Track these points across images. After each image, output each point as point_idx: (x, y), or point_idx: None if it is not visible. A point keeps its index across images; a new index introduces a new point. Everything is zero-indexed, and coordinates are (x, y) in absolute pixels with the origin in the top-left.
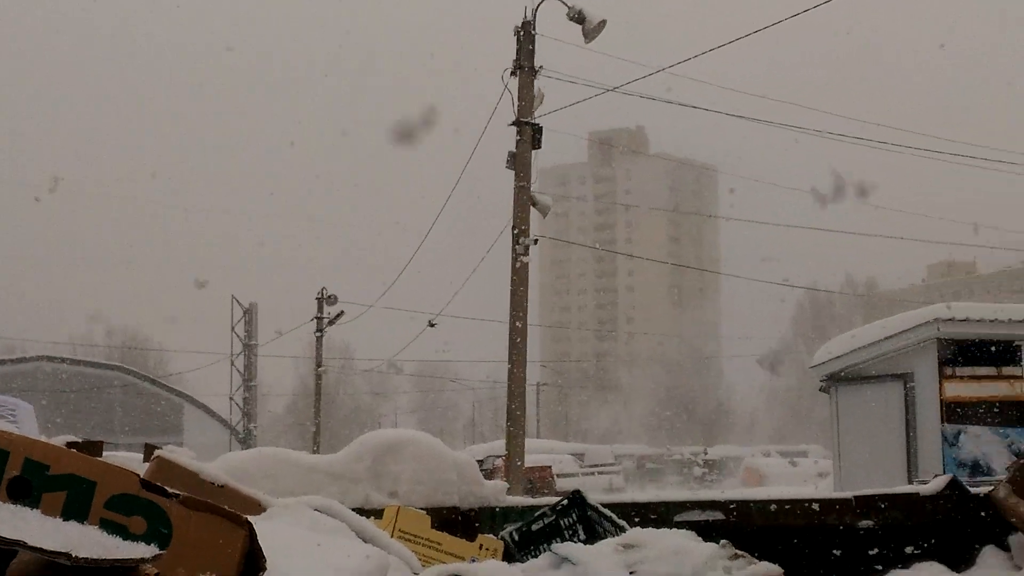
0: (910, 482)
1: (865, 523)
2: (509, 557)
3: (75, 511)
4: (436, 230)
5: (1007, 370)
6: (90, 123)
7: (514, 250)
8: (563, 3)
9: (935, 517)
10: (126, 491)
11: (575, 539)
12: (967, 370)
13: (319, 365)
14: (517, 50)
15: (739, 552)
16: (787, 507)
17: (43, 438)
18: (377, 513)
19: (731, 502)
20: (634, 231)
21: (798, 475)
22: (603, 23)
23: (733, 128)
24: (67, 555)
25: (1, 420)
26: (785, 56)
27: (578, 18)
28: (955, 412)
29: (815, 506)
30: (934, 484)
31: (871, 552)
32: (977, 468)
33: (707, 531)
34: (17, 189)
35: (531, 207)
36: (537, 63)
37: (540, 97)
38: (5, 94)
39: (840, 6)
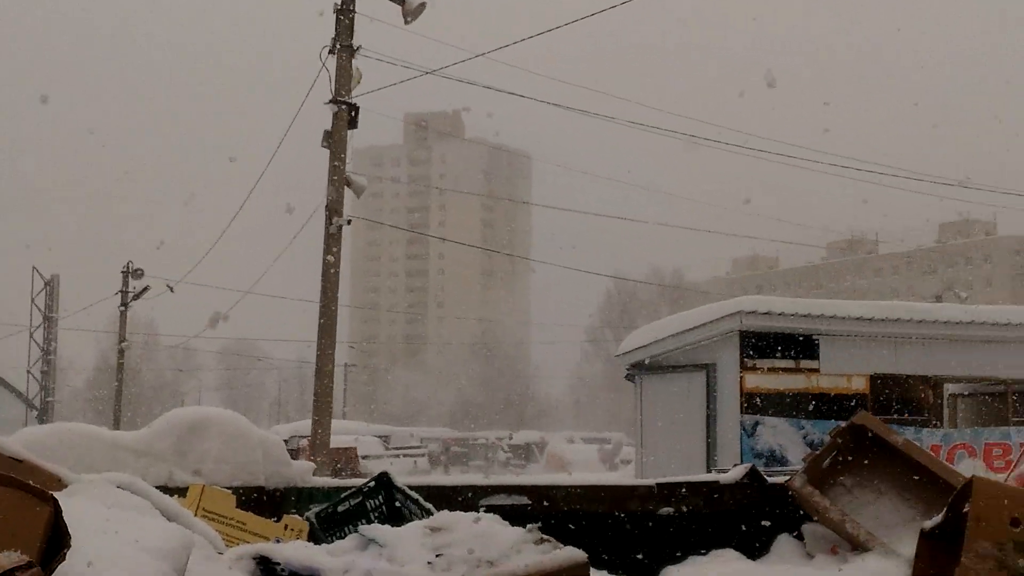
0: (709, 470)
1: (666, 510)
2: (315, 538)
3: None
4: (251, 208)
5: (805, 363)
6: None
7: (327, 229)
8: None
9: (734, 505)
10: None
11: (382, 521)
12: (767, 362)
13: (122, 340)
14: (336, 28)
15: (545, 537)
16: (591, 493)
17: None
18: (181, 491)
19: (536, 487)
20: (447, 214)
21: (601, 461)
22: (423, 5)
23: (549, 116)
24: None
25: None
26: (608, 46)
27: None
28: (755, 403)
29: (618, 493)
30: (734, 473)
31: (672, 538)
32: (773, 458)
33: (513, 516)
34: None
35: (345, 187)
36: (356, 42)
37: (358, 77)
38: None
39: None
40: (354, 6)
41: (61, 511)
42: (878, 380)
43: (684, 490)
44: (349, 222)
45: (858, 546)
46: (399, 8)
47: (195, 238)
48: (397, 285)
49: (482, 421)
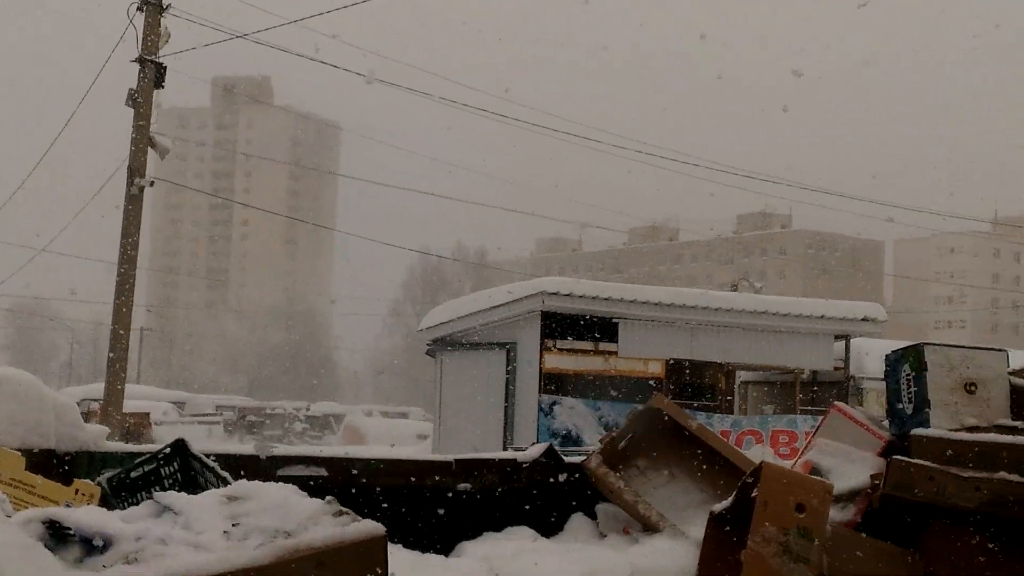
0: (506, 448)
1: (464, 486)
2: (107, 504)
3: None
4: (52, 165)
5: (604, 345)
6: None
7: (128, 190)
8: None
9: (530, 484)
10: None
11: (176, 488)
12: (567, 343)
13: None
14: None
15: (343, 509)
16: (389, 467)
17: None
18: None
19: (335, 459)
20: (253, 181)
21: (398, 435)
22: None
23: (361, 88)
24: None
25: None
26: (428, 21)
27: None
28: (553, 383)
29: (417, 467)
30: (531, 451)
31: (468, 514)
32: (569, 438)
33: (310, 487)
34: None
35: (149, 147)
36: (166, 1)
37: (166, 36)
38: None
39: None
40: None
41: None
42: (674, 365)
43: (482, 467)
44: (152, 183)
45: (649, 527)
46: None
47: None
48: (199, 250)
49: (280, 391)
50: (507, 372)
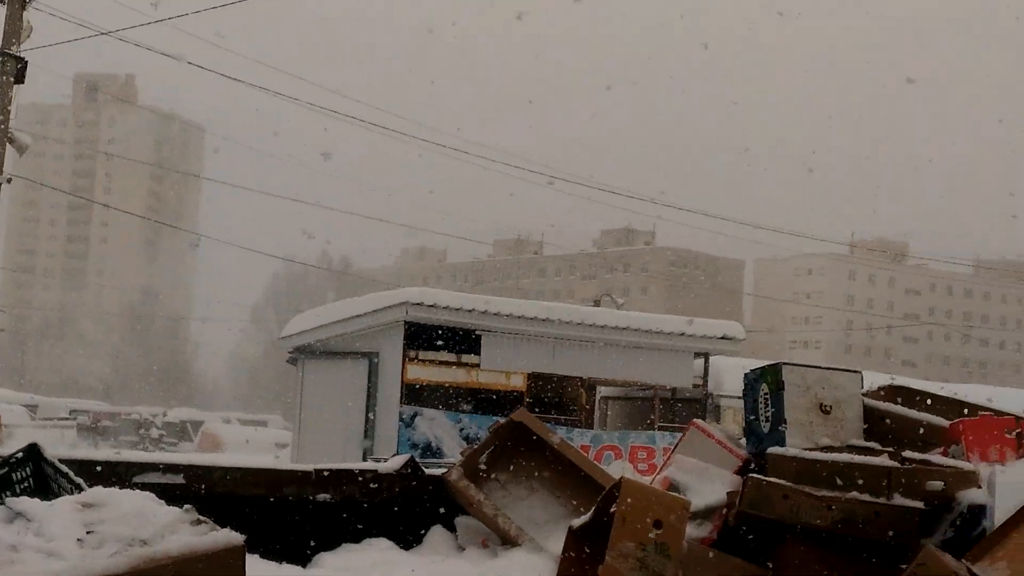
0: (366, 459)
1: (323, 496)
2: None
3: None
4: None
5: (467, 358)
6: None
7: None
8: None
9: (390, 495)
10: None
11: (29, 494)
12: (430, 354)
13: None
14: None
15: (201, 518)
16: (249, 476)
17: None
18: None
19: (193, 466)
20: (114, 181)
21: (257, 444)
22: None
23: (227, 90)
24: None
25: None
26: (300, 26)
27: None
28: (415, 394)
29: (276, 476)
30: (392, 463)
31: (327, 525)
32: (429, 450)
33: (167, 494)
34: None
35: (8, 144)
36: None
37: (28, 29)
38: None
39: None
40: None
41: None
42: (536, 378)
43: (342, 477)
44: (9, 180)
45: (508, 540)
46: None
47: None
48: (56, 250)
49: (137, 396)
50: (369, 382)
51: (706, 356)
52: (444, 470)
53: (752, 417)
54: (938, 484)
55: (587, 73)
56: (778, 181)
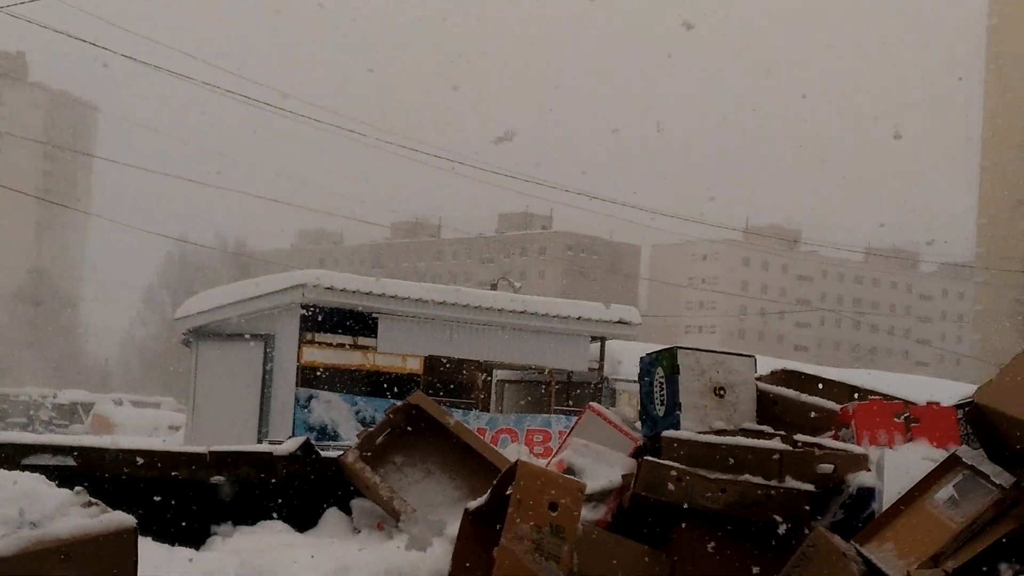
0: (260, 441)
1: (218, 478)
2: None
3: None
4: None
5: (363, 340)
6: None
7: None
8: None
9: (286, 477)
10: None
11: None
12: (326, 337)
13: None
14: None
15: (93, 500)
16: (141, 458)
17: None
18: None
19: (83, 448)
20: (2, 159)
21: (148, 426)
22: None
23: (121, 69)
24: None
25: None
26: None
27: None
28: (311, 377)
29: (170, 458)
30: (288, 445)
31: (222, 507)
32: (325, 432)
33: (58, 477)
34: None
35: None
36: None
37: None
38: None
39: None
40: None
41: None
42: (432, 361)
43: (237, 459)
44: None
45: (403, 522)
46: None
47: None
48: None
49: (26, 377)
50: (264, 364)
51: (602, 340)
52: (340, 453)
53: (647, 401)
54: (828, 467)
55: (482, 56)
56: (675, 168)
